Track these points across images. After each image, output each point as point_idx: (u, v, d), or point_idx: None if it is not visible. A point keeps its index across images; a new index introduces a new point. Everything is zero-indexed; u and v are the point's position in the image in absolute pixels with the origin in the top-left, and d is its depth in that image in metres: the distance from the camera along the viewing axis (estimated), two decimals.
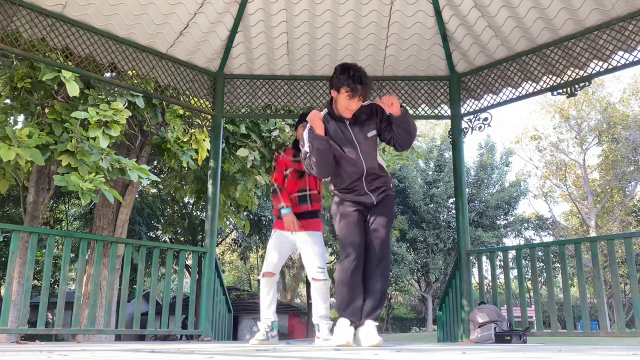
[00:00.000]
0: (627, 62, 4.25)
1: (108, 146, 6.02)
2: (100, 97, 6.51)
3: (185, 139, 7.94)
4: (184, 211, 19.50)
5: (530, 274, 7.89)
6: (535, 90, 4.80)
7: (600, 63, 4.41)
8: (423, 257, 27.13)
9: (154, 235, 20.44)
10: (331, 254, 25.06)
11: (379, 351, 2.30)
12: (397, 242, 25.51)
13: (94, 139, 5.85)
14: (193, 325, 5.04)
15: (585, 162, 28.23)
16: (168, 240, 21.04)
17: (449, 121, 5.44)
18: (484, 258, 5.23)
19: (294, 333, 27.92)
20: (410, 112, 5.31)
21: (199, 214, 19.53)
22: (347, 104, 3.07)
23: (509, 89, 5.01)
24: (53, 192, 9.41)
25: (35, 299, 18.59)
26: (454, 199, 6.95)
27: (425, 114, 5.46)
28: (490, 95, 5.16)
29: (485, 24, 4.92)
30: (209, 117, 5.48)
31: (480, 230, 26.33)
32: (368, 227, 3.18)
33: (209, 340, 4.85)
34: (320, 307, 3.63)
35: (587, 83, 4.52)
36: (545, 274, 9.33)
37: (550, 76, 4.71)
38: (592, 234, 26.06)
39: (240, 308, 25.34)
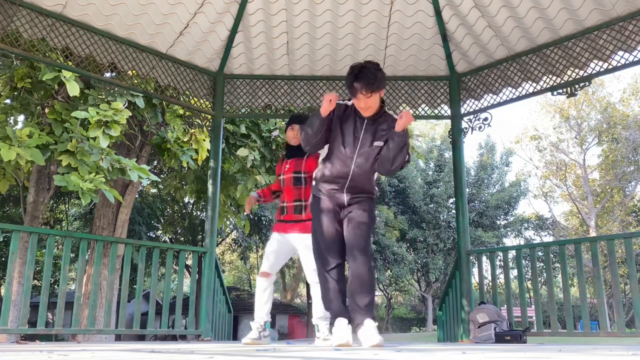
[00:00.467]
0: (627, 62, 4.25)
1: (108, 146, 6.02)
2: (100, 97, 6.51)
3: (185, 139, 7.94)
4: (184, 211, 19.50)
5: (530, 274, 7.89)
6: (535, 90, 4.80)
7: (600, 63, 4.41)
8: (423, 257, 27.13)
9: (154, 235, 20.44)
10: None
11: (379, 351, 2.30)
12: (397, 242, 25.50)
13: (94, 139, 5.85)
14: (193, 325, 5.04)
15: (585, 162, 28.24)
16: (168, 240, 21.05)
17: (449, 121, 5.44)
18: (484, 258, 5.23)
19: (294, 333, 27.93)
20: (411, 112, 5.31)
21: (199, 214, 19.54)
22: (357, 104, 3.07)
23: (509, 89, 5.01)
24: (53, 192, 9.41)
25: (35, 299, 18.59)
26: (454, 199, 6.95)
27: (425, 114, 5.46)
28: (490, 95, 5.16)
29: (485, 24, 4.92)
30: (209, 117, 5.48)
31: (480, 230, 26.33)
32: (345, 223, 3.15)
33: (209, 340, 4.85)
34: (320, 308, 3.62)
35: (587, 83, 4.52)
36: (545, 274, 9.33)
37: (550, 76, 4.71)
38: (592, 234, 26.06)
39: (240, 308, 25.35)
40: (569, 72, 4.59)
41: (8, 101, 7.06)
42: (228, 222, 12.37)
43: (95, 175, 5.68)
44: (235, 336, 23.31)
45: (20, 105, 6.89)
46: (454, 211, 18.68)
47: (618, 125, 26.65)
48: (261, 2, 5.01)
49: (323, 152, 3.28)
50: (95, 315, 4.48)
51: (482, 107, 5.20)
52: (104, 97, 6.52)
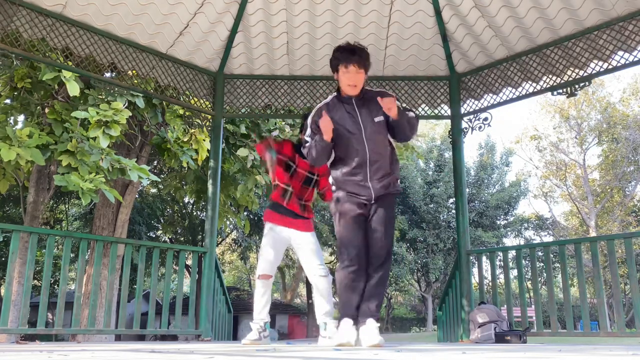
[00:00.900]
0: (627, 62, 4.25)
1: (108, 146, 6.02)
2: (100, 97, 6.51)
3: (185, 139, 7.94)
4: (184, 211, 19.51)
5: (530, 274, 7.89)
6: (535, 90, 4.80)
7: (600, 63, 4.40)
8: (423, 257, 27.14)
9: (154, 235, 20.44)
10: (331, 254, 25.06)
11: (379, 351, 2.30)
12: (397, 242, 25.52)
13: (94, 139, 5.85)
14: (193, 325, 5.04)
15: (585, 162, 28.25)
16: (168, 240, 21.05)
17: (449, 121, 5.44)
18: (484, 258, 5.23)
19: (294, 333, 27.94)
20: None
21: (199, 214, 19.54)
22: (347, 80, 3.12)
23: (509, 89, 5.01)
24: (53, 192, 9.41)
25: (35, 299, 18.59)
26: (454, 199, 6.95)
27: (425, 114, 5.46)
28: (490, 95, 5.16)
29: (485, 24, 4.92)
30: (209, 117, 5.48)
31: (480, 230, 26.34)
32: (369, 227, 3.14)
33: (209, 340, 4.85)
34: (324, 305, 3.59)
35: (587, 83, 4.52)
36: (545, 274, 9.33)
37: (550, 76, 4.71)
38: (592, 234, 26.06)
39: (240, 308, 25.35)
40: (569, 72, 4.59)
41: (8, 101, 7.06)
42: (228, 222, 12.36)
43: (95, 175, 5.68)
44: (235, 336, 23.30)
45: (20, 105, 6.89)
46: (454, 211, 18.69)
47: (618, 125, 26.66)
48: (261, 2, 5.01)
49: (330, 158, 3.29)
50: (95, 315, 4.48)
51: (482, 107, 5.20)
52: (104, 97, 6.52)
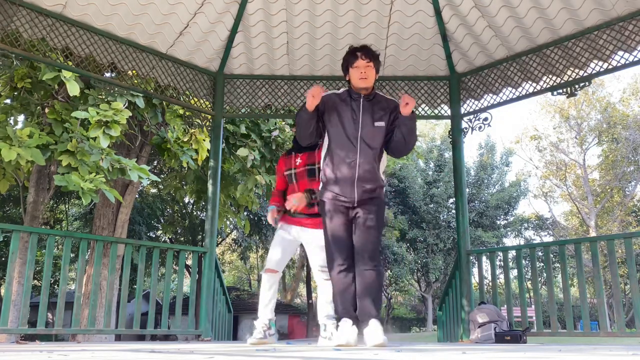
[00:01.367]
0: (627, 62, 4.25)
1: (108, 146, 6.02)
2: (101, 97, 6.52)
3: (185, 139, 7.94)
4: (184, 211, 19.51)
5: (530, 274, 7.89)
6: (535, 90, 4.80)
7: (600, 63, 4.40)
8: (423, 257, 27.14)
9: (154, 235, 20.45)
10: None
11: (379, 351, 2.30)
12: (397, 242, 25.52)
13: (94, 139, 5.85)
14: (193, 325, 5.04)
15: (585, 162, 28.24)
16: (168, 240, 21.05)
17: (449, 121, 5.44)
18: (484, 258, 5.23)
19: (294, 333, 27.93)
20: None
21: (199, 214, 19.54)
22: (357, 74, 3.14)
23: (509, 89, 5.01)
24: (53, 192, 9.41)
25: (35, 299, 18.59)
26: (454, 199, 6.95)
27: (425, 114, 5.46)
28: (490, 95, 5.16)
29: (485, 24, 4.92)
30: (209, 117, 5.48)
31: (480, 230, 26.34)
32: (355, 226, 3.14)
33: (209, 340, 4.85)
34: (326, 306, 3.60)
35: (587, 83, 4.52)
36: (545, 274, 9.33)
37: (550, 76, 4.71)
38: (592, 234, 26.06)
39: (240, 308, 25.36)
40: (569, 72, 4.59)
41: (8, 101, 7.06)
42: (228, 222, 12.37)
43: (95, 175, 5.68)
44: (235, 336, 23.30)
45: (20, 105, 6.89)
46: (454, 211, 18.69)
47: (618, 125, 26.65)
48: (261, 2, 5.01)
49: (324, 144, 3.28)
50: (95, 315, 4.48)
51: (482, 107, 5.20)
52: (104, 97, 6.52)
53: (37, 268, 17.57)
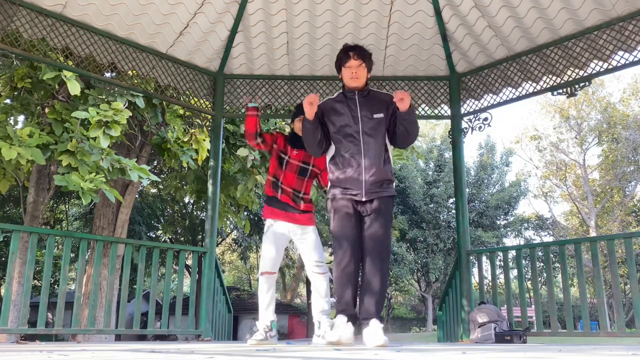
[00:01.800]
0: (627, 62, 4.25)
1: (108, 146, 6.02)
2: (101, 97, 6.52)
3: (185, 139, 7.94)
4: (184, 211, 19.51)
5: (530, 274, 7.89)
6: (535, 90, 4.80)
7: (600, 63, 4.41)
8: (423, 257, 27.14)
9: (154, 235, 20.44)
10: (331, 254, 25.03)
11: (379, 351, 2.30)
12: (397, 242, 25.52)
13: (95, 139, 5.86)
14: (193, 325, 5.04)
15: (585, 162, 28.23)
16: (168, 240, 21.04)
17: (449, 121, 5.44)
18: (484, 258, 5.23)
19: (294, 333, 27.92)
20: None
21: (199, 214, 19.53)
22: (349, 74, 3.21)
23: (509, 89, 5.01)
24: (53, 192, 9.41)
25: (35, 299, 18.60)
26: (454, 199, 6.95)
27: (425, 114, 5.46)
28: (490, 95, 5.16)
29: (485, 24, 4.92)
30: (209, 117, 5.48)
31: (480, 230, 26.33)
32: (364, 225, 3.15)
33: (209, 340, 4.85)
34: (320, 302, 3.59)
35: (587, 83, 4.52)
36: (545, 274, 9.33)
37: (550, 76, 4.71)
38: (592, 234, 26.06)
39: (240, 308, 25.36)
40: (569, 72, 4.59)
41: (8, 101, 7.06)
42: (228, 222, 12.37)
43: (95, 175, 5.68)
44: (235, 336, 23.30)
45: (20, 105, 6.89)
46: (454, 211, 18.69)
47: (618, 125, 26.65)
48: (261, 2, 5.01)
49: (330, 152, 3.32)
50: (95, 315, 4.48)
51: (482, 107, 5.20)
52: (104, 97, 6.52)
53: (37, 268, 17.56)
